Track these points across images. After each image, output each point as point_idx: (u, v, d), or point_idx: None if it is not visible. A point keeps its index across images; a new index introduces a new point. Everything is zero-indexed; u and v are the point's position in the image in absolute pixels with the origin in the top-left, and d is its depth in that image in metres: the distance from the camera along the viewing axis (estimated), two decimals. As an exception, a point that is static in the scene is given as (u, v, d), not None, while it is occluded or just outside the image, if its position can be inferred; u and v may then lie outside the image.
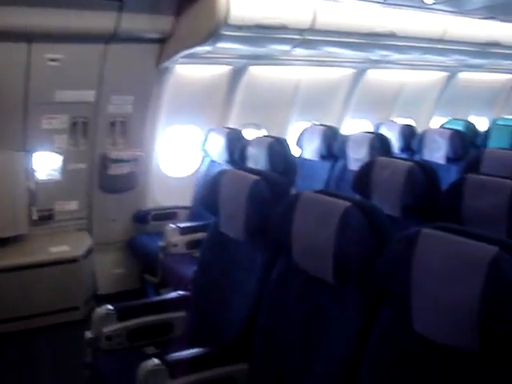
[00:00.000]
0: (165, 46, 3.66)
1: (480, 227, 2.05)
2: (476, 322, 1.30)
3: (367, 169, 2.85)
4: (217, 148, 4.15)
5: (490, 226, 2.16)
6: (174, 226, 3.56)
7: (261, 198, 2.11)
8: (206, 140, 4.28)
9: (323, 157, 4.44)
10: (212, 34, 3.27)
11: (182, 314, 2.40)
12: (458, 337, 1.35)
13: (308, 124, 4.83)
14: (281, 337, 1.88)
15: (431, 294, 1.39)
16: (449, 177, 4.24)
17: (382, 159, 2.87)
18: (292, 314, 1.86)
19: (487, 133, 4.95)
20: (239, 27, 3.24)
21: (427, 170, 2.72)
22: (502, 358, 1.31)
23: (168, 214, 4.18)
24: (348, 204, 1.73)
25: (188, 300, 2.43)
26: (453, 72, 5.76)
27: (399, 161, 2.87)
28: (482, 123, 6.33)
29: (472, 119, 6.24)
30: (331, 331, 1.73)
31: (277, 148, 3.66)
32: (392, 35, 3.57)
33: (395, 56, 4.58)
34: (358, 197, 2.57)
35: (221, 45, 3.44)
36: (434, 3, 2.71)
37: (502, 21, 3.55)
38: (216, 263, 2.34)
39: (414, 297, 1.44)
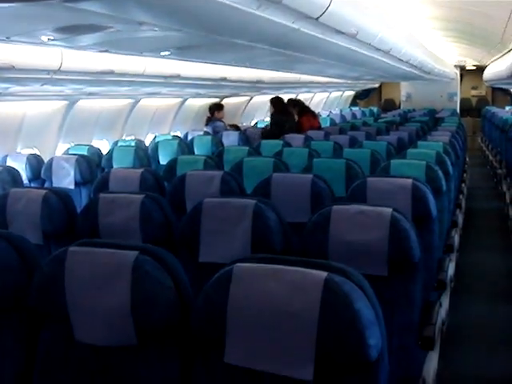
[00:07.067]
0: None
1: (119, 238, 2.32)
2: (131, 320, 1.52)
3: (1, 203, 2.81)
4: None
5: (127, 236, 2.44)
6: None
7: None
8: None
9: None
10: None
11: None
12: (118, 335, 1.56)
13: None
14: None
15: (87, 304, 1.57)
16: (80, 200, 4.47)
17: (16, 191, 2.88)
18: None
19: (110, 154, 5.24)
20: None
21: (61, 196, 2.82)
22: (157, 347, 1.56)
23: None
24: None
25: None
26: (72, 100, 5.97)
27: (33, 190, 2.93)
28: (104, 146, 6.72)
29: (95, 143, 6.58)
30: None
31: None
32: (11, 68, 3.59)
33: (16, 88, 4.57)
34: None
35: None
36: (49, 40, 2.87)
37: (113, 53, 3.89)
38: None
39: (73, 310, 1.59)
